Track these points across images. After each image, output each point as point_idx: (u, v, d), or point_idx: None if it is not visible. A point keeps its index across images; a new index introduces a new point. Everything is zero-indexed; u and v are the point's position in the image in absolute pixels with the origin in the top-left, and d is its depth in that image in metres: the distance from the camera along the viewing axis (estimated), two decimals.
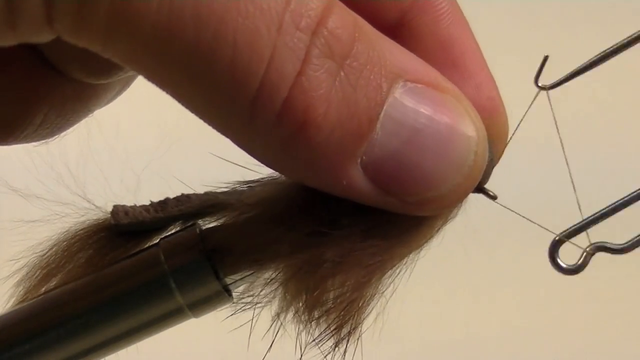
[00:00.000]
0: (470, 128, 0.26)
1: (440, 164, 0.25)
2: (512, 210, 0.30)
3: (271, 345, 0.30)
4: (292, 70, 0.23)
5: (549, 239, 0.29)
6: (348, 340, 0.29)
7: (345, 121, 0.24)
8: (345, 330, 0.29)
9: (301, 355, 0.30)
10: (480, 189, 0.29)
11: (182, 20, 0.22)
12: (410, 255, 0.29)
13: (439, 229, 0.30)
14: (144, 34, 0.22)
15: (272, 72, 0.23)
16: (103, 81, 0.32)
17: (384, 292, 0.29)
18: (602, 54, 0.29)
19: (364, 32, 0.25)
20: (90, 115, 0.33)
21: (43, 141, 0.32)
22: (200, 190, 0.31)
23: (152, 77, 0.24)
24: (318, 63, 0.23)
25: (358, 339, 0.29)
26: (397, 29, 0.28)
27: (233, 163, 0.30)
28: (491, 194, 0.29)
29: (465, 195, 0.27)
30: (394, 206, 0.26)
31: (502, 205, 0.30)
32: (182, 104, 0.24)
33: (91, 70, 0.31)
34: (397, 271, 0.30)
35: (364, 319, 0.29)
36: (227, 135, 0.25)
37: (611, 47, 0.29)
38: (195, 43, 0.22)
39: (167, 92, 0.24)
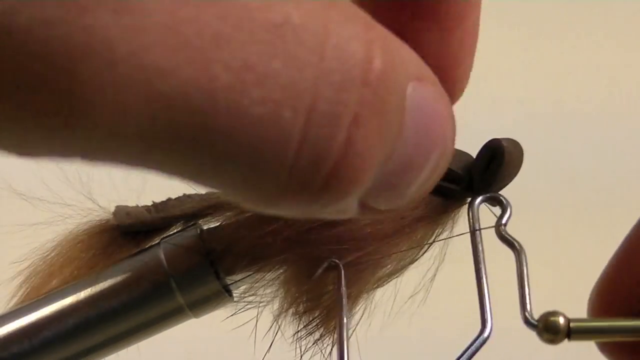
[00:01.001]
0: (449, 134, 0.23)
1: (418, 181, 0.23)
2: None
3: (271, 345, 0.30)
4: (333, 142, 0.19)
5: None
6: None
7: (378, 167, 0.21)
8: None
9: (301, 355, 0.30)
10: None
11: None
12: (411, 252, 0.30)
13: (443, 227, 0.30)
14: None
15: (305, 151, 0.18)
16: None
17: (382, 288, 0.30)
18: None
19: (393, 55, 0.20)
20: None
21: None
22: (203, 190, 0.32)
23: (159, 172, 0.19)
24: (366, 125, 0.19)
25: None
26: None
27: None
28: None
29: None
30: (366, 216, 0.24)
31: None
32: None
33: None
34: (398, 269, 0.30)
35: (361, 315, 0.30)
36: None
37: None
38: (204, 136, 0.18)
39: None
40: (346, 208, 0.21)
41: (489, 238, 0.29)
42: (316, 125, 0.18)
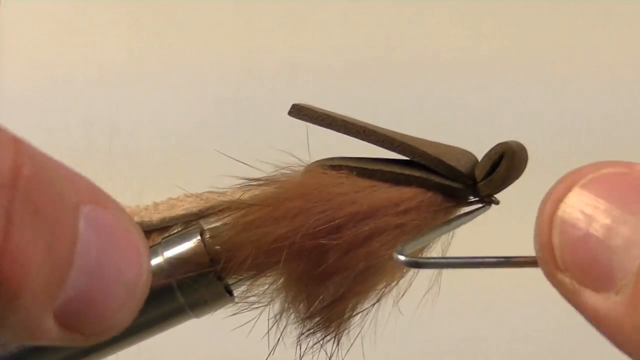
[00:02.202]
0: (143, 250, 0.24)
1: (118, 294, 0.23)
2: None
3: (275, 347, 0.30)
4: None
5: None
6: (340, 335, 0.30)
7: (48, 271, 0.21)
8: (340, 327, 0.29)
9: (301, 356, 0.30)
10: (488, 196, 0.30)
11: None
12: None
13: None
14: None
15: None
16: None
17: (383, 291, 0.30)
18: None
19: (47, 168, 0.21)
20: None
21: None
22: (203, 189, 0.32)
23: None
24: (22, 224, 0.20)
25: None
26: None
27: (236, 160, 0.31)
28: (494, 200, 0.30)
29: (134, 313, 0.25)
30: (76, 342, 0.24)
31: None
32: None
33: None
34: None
35: (359, 316, 0.30)
36: None
37: None
38: None
39: None
40: (36, 323, 0.22)
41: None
42: None
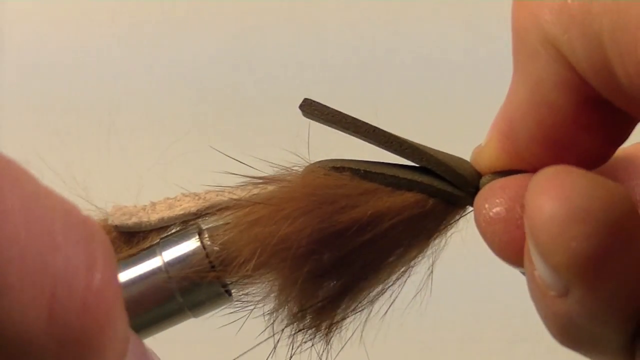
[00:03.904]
0: None
1: None
2: None
3: (275, 348, 0.30)
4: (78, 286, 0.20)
5: None
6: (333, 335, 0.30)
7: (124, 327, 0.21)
8: (333, 327, 0.30)
9: (291, 355, 0.30)
10: None
11: None
12: (413, 254, 0.30)
13: (444, 231, 0.30)
14: None
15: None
16: None
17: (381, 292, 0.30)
18: None
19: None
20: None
21: None
22: (202, 189, 0.32)
23: None
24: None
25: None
26: None
27: (235, 159, 0.30)
28: None
29: None
30: None
31: None
32: None
33: None
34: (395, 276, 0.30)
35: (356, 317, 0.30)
36: None
37: None
38: None
39: None
40: None
41: None
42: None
